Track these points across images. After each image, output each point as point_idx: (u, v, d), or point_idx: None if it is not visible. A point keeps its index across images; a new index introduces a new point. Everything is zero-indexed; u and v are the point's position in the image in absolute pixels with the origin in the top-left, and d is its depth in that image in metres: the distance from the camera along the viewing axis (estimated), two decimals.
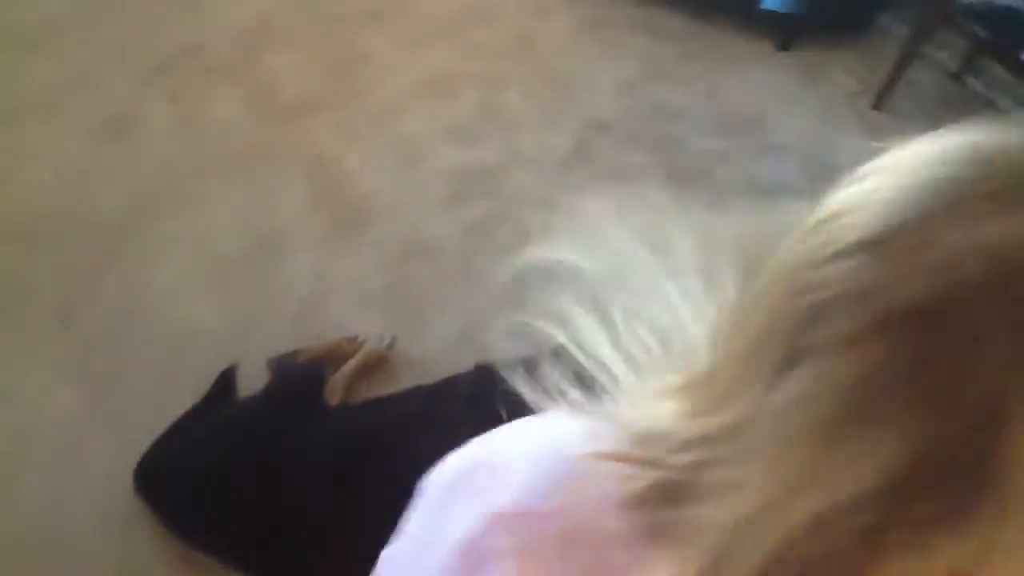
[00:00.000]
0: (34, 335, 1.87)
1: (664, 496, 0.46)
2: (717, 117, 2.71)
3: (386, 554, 0.57)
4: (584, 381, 0.56)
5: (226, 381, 1.82)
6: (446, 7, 3.09)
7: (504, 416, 1.20)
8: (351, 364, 1.84)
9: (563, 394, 0.57)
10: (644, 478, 0.47)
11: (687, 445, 0.46)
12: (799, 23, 3.00)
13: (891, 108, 2.83)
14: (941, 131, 0.42)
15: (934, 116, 2.35)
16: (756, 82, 2.88)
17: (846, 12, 3.06)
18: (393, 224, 2.20)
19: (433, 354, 1.90)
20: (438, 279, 2.07)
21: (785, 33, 3.02)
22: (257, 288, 2.02)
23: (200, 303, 1.98)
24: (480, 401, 1.49)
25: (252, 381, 1.81)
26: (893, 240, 0.38)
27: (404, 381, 1.82)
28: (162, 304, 1.97)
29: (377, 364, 1.88)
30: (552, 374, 0.58)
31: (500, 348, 1.10)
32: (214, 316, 1.96)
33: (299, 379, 1.76)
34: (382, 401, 1.72)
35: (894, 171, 0.41)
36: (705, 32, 3.05)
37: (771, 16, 3.02)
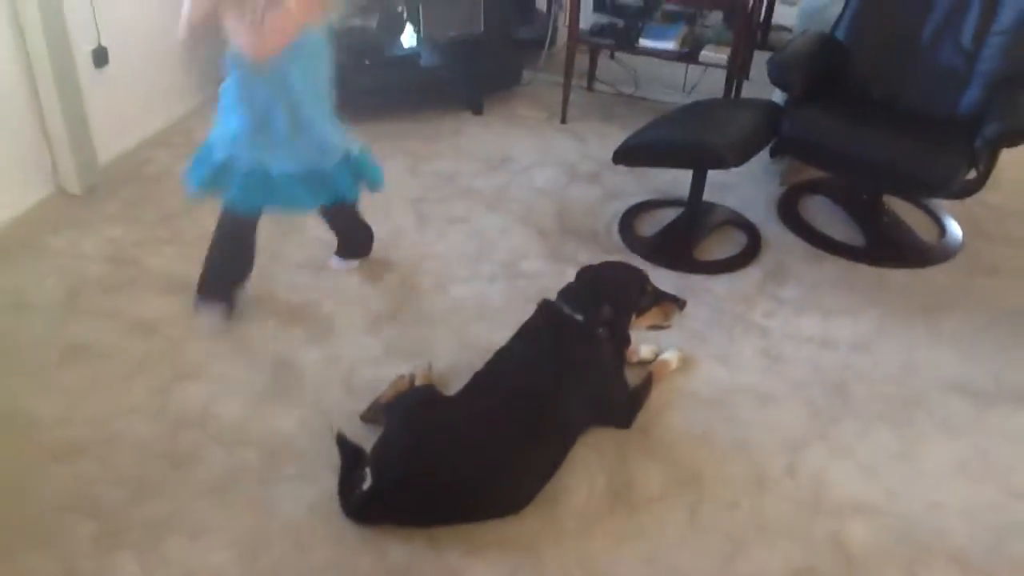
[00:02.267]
0: None
1: None
2: (486, 161, 3.63)
3: None
4: None
5: (345, 445, 2.26)
6: None
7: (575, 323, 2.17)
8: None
9: None
10: None
11: None
12: (475, 93, 4.02)
13: (572, 119, 3.98)
14: None
15: (595, 114, 3.59)
16: (484, 137, 3.84)
17: (503, 75, 4.14)
18: None
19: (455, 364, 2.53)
20: None
21: (472, 103, 4.02)
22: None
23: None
24: (552, 320, 2.21)
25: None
26: None
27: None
28: None
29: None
30: None
31: None
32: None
33: (412, 401, 2.28)
34: (482, 375, 2.30)
35: None
36: (420, 118, 3.95)
37: (458, 94, 4.01)
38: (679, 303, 2.41)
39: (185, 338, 2.64)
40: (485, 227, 3.25)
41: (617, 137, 3.28)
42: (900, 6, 3.19)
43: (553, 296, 2.40)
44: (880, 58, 3.22)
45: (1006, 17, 3.04)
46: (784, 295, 2.98)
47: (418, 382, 2.43)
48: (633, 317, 2.32)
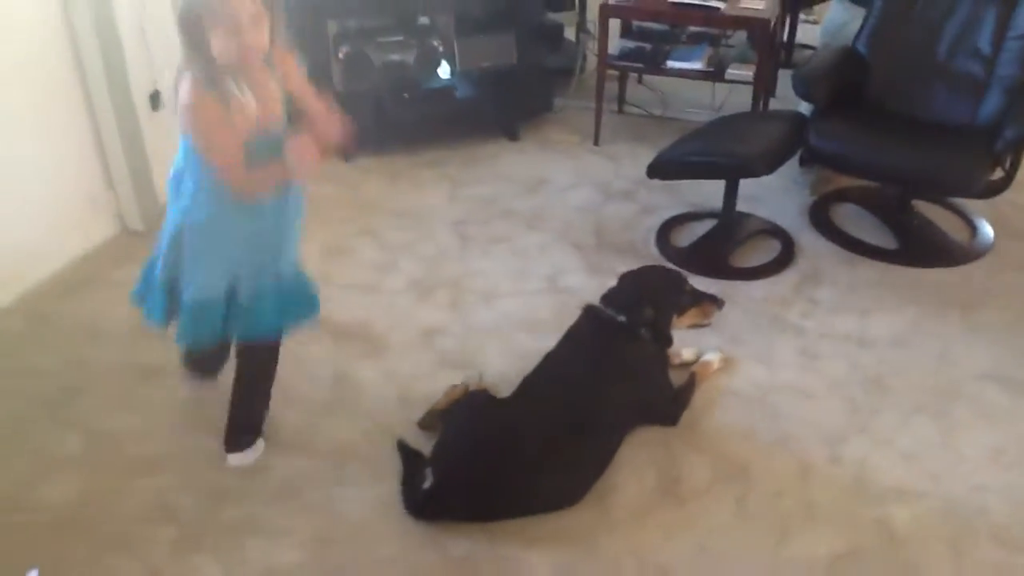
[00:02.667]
0: None
1: None
2: (524, 184, 3.78)
3: None
4: None
5: (405, 449, 2.39)
6: None
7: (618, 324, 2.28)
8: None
9: None
10: None
11: None
12: (510, 120, 4.18)
13: (604, 141, 4.12)
14: None
15: (626, 135, 3.73)
16: (521, 162, 3.99)
17: (536, 102, 4.30)
18: None
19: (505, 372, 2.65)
20: None
21: (508, 130, 4.18)
22: None
23: None
24: (595, 322, 2.33)
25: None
26: None
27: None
28: None
29: None
30: None
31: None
32: None
33: (469, 405, 2.40)
34: (532, 378, 2.42)
35: None
36: (457, 146, 4.11)
37: (494, 122, 4.17)
38: (718, 302, 2.52)
39: None
40: (526, 245, 3.38)
41: (649, 156, 3.41)
42: (918, 19, 3.30)
43: (596, 301, 2.52)
44: (900, 70, 3.32)
45: (1022, 22, 3.14)
46: (820, 297, 3.07)
47: (472, 388, 2.56)
48: (674, 317, 2.44)
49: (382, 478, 2.32)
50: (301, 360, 2.76)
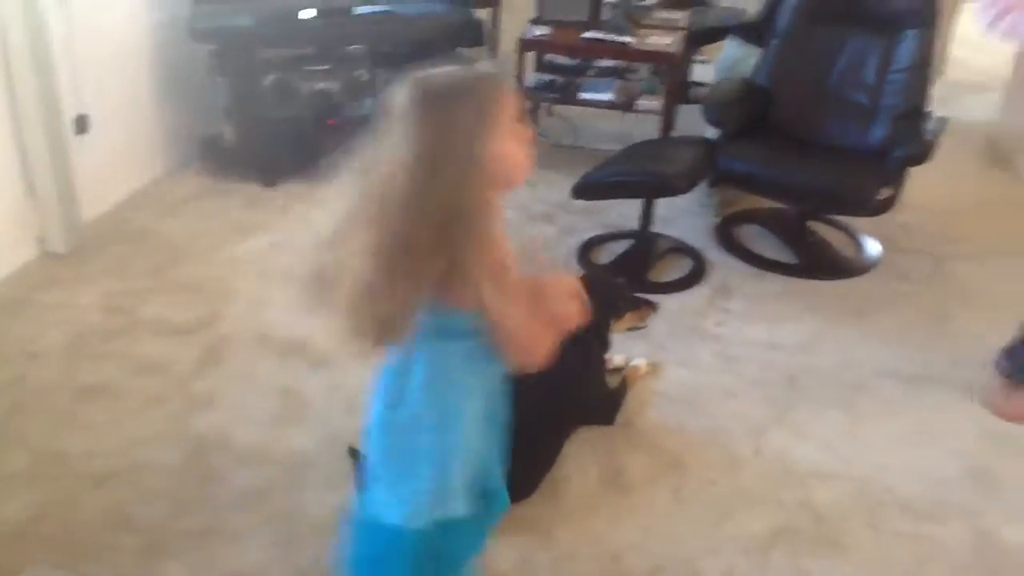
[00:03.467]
0: None
1: None
2: None
3: None
4: None
5: (357, 455, 2.48)
6: None
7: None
8: None
9: None
10: None
11: None
12: None
13: None
14: None
15: (540, 163, 3.86)
16: None
17: None
18: None
19: None
20: None
21: None
22: None
23: None
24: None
25: None
26: None
27: None
28: None
29: None
30: None
31: None
32: None
33: None
34: None
35: None
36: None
37: None
38: (654, 306, 2.72)
39: (191, 375, 2.82)
40: None
41: (562, 182, 3.67)
42: (812, 55, 3.65)
43: None
44: (798, 99, 3.66)
45: (903, 57, 3.51)
46: (732, 307, 3.32)
47: None
48: (613, 321, 2.62)
49: (338, 484, 2.40)
50: (249, 377, 2.81)
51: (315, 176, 4.10)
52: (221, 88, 3.92)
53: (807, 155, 3.49)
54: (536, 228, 3.84)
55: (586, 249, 3.66)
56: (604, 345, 2.62)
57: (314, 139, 4.06)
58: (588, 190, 3.34)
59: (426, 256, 1.32)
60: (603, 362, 2.65)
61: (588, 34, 3.98)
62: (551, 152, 4.59)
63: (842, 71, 3.62)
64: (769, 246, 3.76)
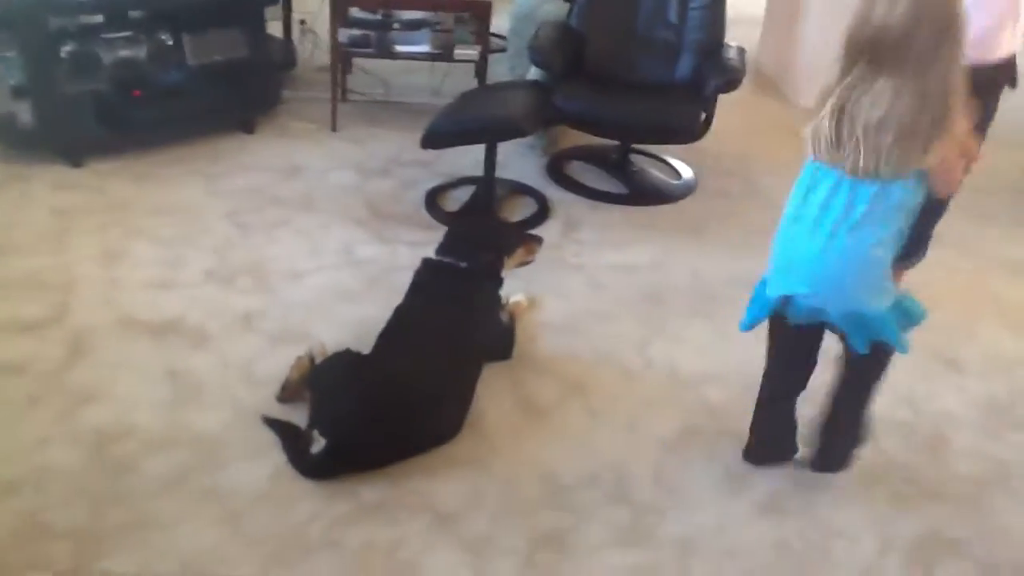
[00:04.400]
0: None
1: None
2: (280, 171, 3.82)
3: None
4: None
5: (274, 423, 2.42)
6: None
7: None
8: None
9: None
10: None
11: None
12: (244, 113, 4.17)
13: (342, 127, 4.26)
14: None
15: (359, 120, 3.89)
16: (267, 152, 4.01)
17: (265, 95, 4.31)
18: None
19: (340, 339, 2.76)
20: None
21: (243, 123, 4.16)
22: None
23: None
24: (440, 272, 2.56)
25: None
26: None
27: None
28: None
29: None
30: None
31: None
32: None
33: (340, 363, 2.48)
34: (391, 330, 2.56)
35: None
36: (197, 142, 4.01)
37: (228, 115, 4.13)
38: (538, 239, 2.83)
39: (61, 370, 2.60)
40: (308, 227, 3.45)
41: (389, 137, 3.75)
42: None
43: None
44: (610, 41, 3.87)
45: None
46: (583, 238, 3.51)
47: (318, 359, 2.62)
48: (506, 258, 2.71)
49: (261, 454, 2.34)
50: (125, 364, 2.65)
51: (126, 151, 3.83)
52: (11, 65, 3.54)
53: (630, 92, 3.73)
54: (375, 184, 3.82)
55: (432, 198, 3.71)
56: (499, 283, 2.71)
57: (121, 112, 3.78)
58: (436, 139, 3.38)
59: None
60: (500, 299, 2.75)
61: None
62: (368, 108, 4.56)
63: (648, 12, 3.88)
64: (599, 179, 3.99)
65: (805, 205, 2.02)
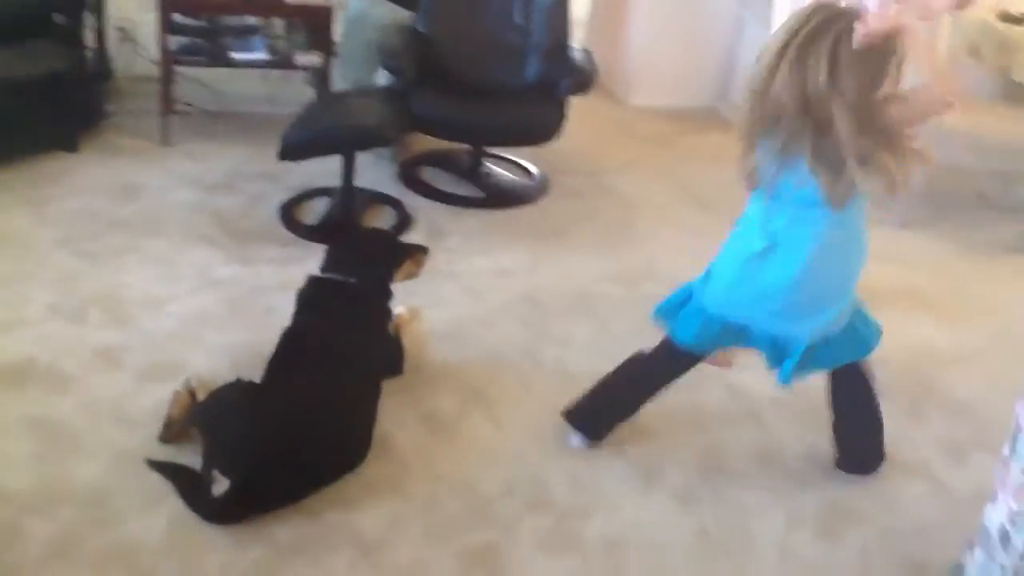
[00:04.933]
0: None
1: None
2: (115, 192, 3.52)
3: None
4: None
5: (162, 466, 2.23)
6: None
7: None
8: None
9: None
10: None
11: None
12: (65, 131, 3.81)
13: (175, 142, 3.99)
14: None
15: (191, 133, 3.67)
16: (97, 172, 3.69)
17: (86, 111, 3.96)
18: None
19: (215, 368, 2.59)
20: None
21: (64, 143, 3.81)
22: None
23: None
24: (328, 289, 2.46)
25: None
26: None
27: None
28: None
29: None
30: None
31: None
32: None
33: (231, 396, 2.31)
34: (281, 354, 2.41)
35: None
36: (14, 167, 3.64)
37: (45, 135, 3.75)
38: (424, 249, 2.75)
39: None
40: (156, 251, 3.20)
41: (227, 151, 3.69)
42: (464, 2, 3.85)
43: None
44: (459, 45, 3.85)
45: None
46: (451, 246, 3.47)
47: (198, 392, 2.44)
48: (395, 272, 2.62)
49: (154, 503, 2.14)
50: None
51: None
52: None
53: (484, 95, 3.73)
54: (222, 200, 3.60)
55: (287, 212, 3.54)
56: (389, 296, 2.62)
57: None
58: (294, 151, 3.23)
59: None
60: (391, 314, 2.66)
61: None
62: (199, 120, 4.29)
63: (494, 14, 3.89)
64: (453, 184, 3.96)
65: (764, 237, 2.10)
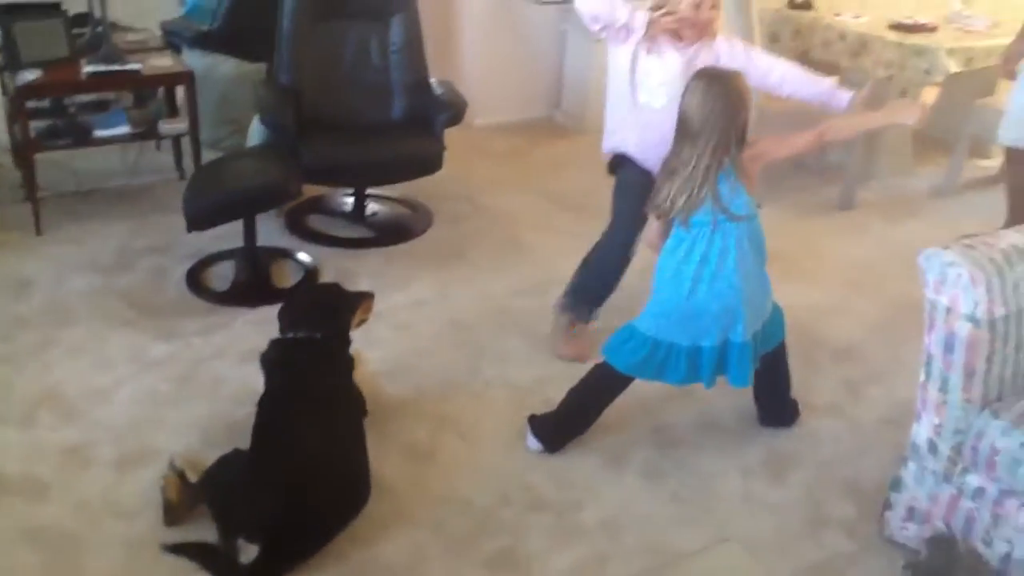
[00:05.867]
0: None
1: None
2: (6, 290, 3.42)
3: None
4: None
5: (182, 548, 2.29)
6: None
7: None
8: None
9: None
10: None
11: None
12: None
13: (45, 229, 3.88)
14: None
15: (61, 218, 3.61)
16: None
17: None
18: None
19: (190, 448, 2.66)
20: None
21: None
22: None
23: None
24: (295, 349, 2.60)
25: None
26: None
27: None
28: None
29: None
30: None
31: None
32: None
33: (235, 466, 2.39)
34: (265, 419, 2.50)
35: None
36: None
37: None
38: (370, 295, 2.90)
39: None
40: (77, 341, 3.16)
41: (102, 230, 3.81)
42: (322, 50, 3.97)
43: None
44: (324, 91, 3.98)
45: (396, 39, 4.07)
46: (363, 287, 3.59)
47: (188, 472, 2.49)
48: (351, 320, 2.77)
49: None
50: None
51: None
52: None
53: (365, 136, 3.89)
54: (122, 280, 3.57)
55: (194, 282, 3.56)
56: (348, 344, 2.76)
57: None
58: (202, 220, 3.28)
59: None
60: (352, 361, 2.80)
61: (90, 68, 3.70)
62: (61, 204, 4.16)
63: (352, 58, 4.05)
64: (343, 227, 4.10)
65: (704, 264, 2.48)
